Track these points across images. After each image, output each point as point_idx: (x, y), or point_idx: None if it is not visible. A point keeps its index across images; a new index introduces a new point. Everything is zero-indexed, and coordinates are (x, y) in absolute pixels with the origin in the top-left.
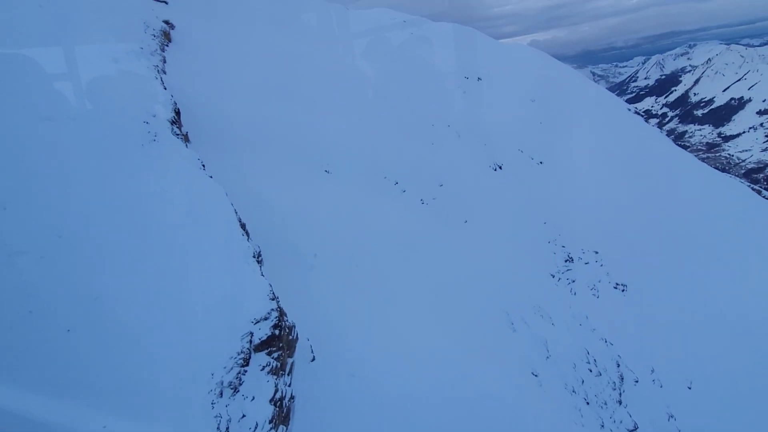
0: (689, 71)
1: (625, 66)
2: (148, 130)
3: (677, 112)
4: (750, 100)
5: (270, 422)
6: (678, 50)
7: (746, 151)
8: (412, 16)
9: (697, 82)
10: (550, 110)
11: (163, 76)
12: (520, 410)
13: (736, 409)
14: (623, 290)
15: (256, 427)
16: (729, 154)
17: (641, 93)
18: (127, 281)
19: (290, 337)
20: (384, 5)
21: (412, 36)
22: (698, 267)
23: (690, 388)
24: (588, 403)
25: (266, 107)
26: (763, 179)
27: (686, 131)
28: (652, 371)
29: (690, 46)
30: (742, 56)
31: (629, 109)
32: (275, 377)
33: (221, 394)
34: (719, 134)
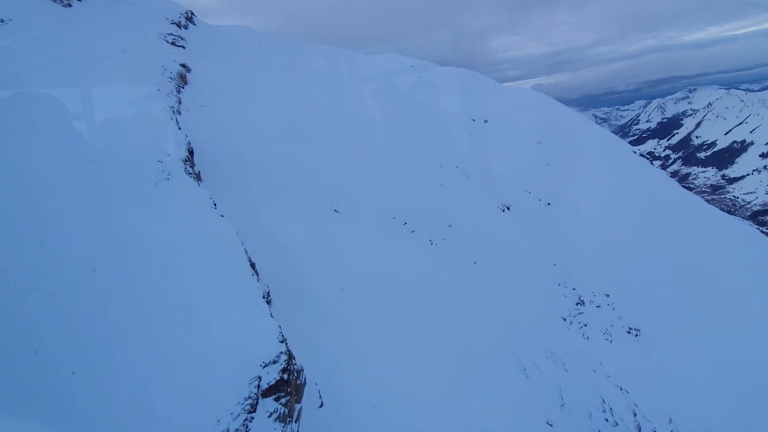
0: (690, 115)
1: (627, 109)
2: (162, 169)
3: (680, 154)
4: (752, 143)
5: None
6: (678, 94)
7: (751, 193)
8: (420, 61)
9: (698, 125)
10: (556, 152)
11: (178, 116)
12: None
13: None
14: (637, 335)
15: None
16: (734, 196)
17: (643, 135)
18: (134, 322)
19: (298, 382)
20: (393, 51)
21: (420, 80)
22: (711, 311)
23: None
24: None
25: (277, 148)
26: None
27: (690, 173)
28: (671, 421)
29: (690, 91)
30: (743, 101)
31: (634, 152)
32: (283, 424)
33: None
34: (723, 176)
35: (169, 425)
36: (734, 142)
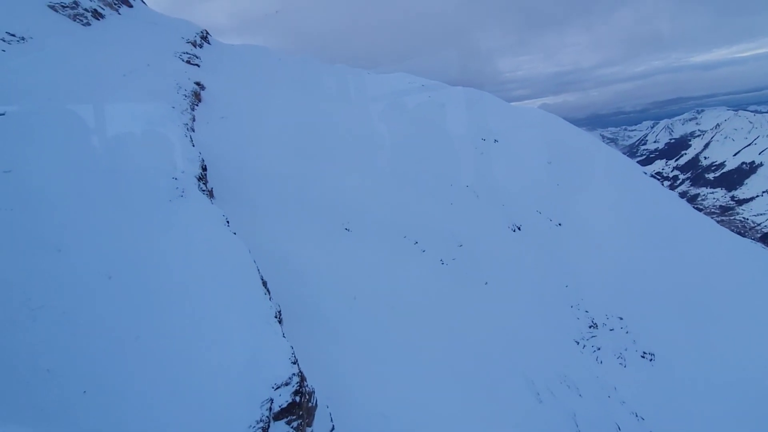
0: (698, 135)
1: (635, 129)
2: (176, 186)
3: (688, 175)
4: (761, 164)
5: None
6: (686, 115)
7: (761, 215)
8: (430, 81)
9: (707, 146)
10: (566, 172)
11: (192, 133)
12: None
13: None
14: (651, 359)
15: None
16: (744, 218)
17: (651, 156)
18: (146, 341)
19: (310, 404)
20: (403, 70)
21: (430, 99)
22: (724, 334)
23: None
24: None
25: (289, 165)
26: None
27: (698, 194)
28: None
29: (698, 112)
30: (751, 122)
31: (645, 173)
32: None
33: None
34: (732, 197)
35: None
36: (743, 163)
